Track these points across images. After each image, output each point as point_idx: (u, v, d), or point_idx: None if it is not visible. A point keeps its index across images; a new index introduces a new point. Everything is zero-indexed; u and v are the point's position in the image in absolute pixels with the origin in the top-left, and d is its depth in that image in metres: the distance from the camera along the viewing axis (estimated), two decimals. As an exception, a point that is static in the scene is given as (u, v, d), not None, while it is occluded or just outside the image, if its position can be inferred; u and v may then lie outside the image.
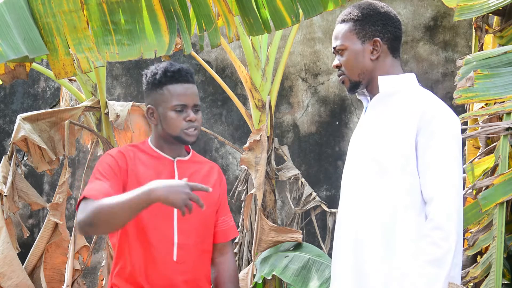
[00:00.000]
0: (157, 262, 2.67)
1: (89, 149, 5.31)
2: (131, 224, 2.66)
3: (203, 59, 5.81)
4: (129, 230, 2.68)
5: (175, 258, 2.68)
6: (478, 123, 3.34)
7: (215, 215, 2.84)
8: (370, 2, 2.56)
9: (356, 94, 2.60)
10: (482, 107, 3.38)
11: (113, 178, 2.65)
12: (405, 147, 2.39)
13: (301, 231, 4.55)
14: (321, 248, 5.05)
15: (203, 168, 2.84)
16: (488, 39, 3.70)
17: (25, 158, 6.49)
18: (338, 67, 2.54)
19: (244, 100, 6.03)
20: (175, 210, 2.69)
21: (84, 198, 2.55)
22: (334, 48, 2.55)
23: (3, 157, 4.98)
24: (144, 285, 2.67)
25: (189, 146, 2.85)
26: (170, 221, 2.69)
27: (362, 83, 2.52)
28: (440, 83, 5.88)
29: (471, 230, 3.22)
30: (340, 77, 2.55)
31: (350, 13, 2.53)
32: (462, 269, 3.10)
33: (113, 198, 2.47)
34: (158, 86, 2.73)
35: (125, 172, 2.68)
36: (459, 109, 3.82)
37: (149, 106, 2.76)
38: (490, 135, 3.25)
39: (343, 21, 2.54)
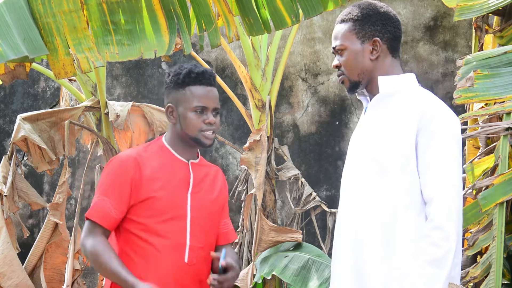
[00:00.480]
0: (169, 264, 2.69)
1: (89, 149, 5.31)
2: (143, 229, 2.69)
3: (203, 59, 5.81)
4: (141, 234, 2.70)
5: (186, 260, 2.70)
6: (478, 123, 3.34)
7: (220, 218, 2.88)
8: (370, 2, 2.55)
9: (356, 94, 2.60)
10: (482, 107, 3.38)
11: (118, 194, 2.69)
12: (405, 147, 2.39)
13: (301, 231, 4.55)
14: (321, 248, 5.05)
15: (210, 172, 2.87)
16: (488, 39, 3.70)
17: (25, 158, 6.49)
18: (337, 67, 2.54)
19: (244, 100, 6.03)
20: (188, 213, 2.72)
21: (89, 220, 2.70)
22: (333, 48, 2.55)
23: (3, 157, 4.98)
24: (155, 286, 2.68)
25: (198, 150, 2.87)
26: (183, 224, 2.71)
27: (362, 83, 2.52)
28: (440, 83, 5.88)
29: (471, 230, 3.22)
30: (340, 77, 2.55)
31: (350, 13, 2.53)
32: (462, 269, 3.10)
33: (108, 259, 2.64)
34: (180, 86, 2.75)
35: (137, 180, 2.69)
36: (459, 109, 3.82)
37: (169, 104, 2.78)
38: (490, 135, 3.25)
39: (342, 21, 2.54)
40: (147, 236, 2.70)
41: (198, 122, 2.73)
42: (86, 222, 2.70)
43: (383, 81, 2.49)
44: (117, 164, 2.73)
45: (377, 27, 2.50)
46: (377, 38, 2.49)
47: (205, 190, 2.80)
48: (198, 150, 2.86)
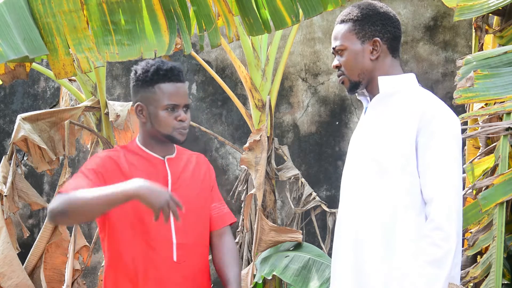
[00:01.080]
0: (157, 263, 2.66)
1: (89, 149, 5.31)
2: (129, 227, 2.66)
3: (203, 59, 5.81)
4: (126, 232, 2.67)
5: (175, 259, 2.68)
6: (478, 123, 3.34)
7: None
8: (370, 2, 2.55)
9: (356, 94, 2.60)
10: (482, 107, 3.38)
11: (95, 179, 2.62)
12: (405, 147, 2.39)
13: (301, 231, 4.54)
14: (321, 248, 5.05)
15: (190, 161, 2.83)
16: (488, 39, 3.70)
17: (25, 158, 6.49)
18: (337, 67, 2.54)
19: (244, 100, 6.03)
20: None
21: (59, 193, 2.55)
22: (333, 48, 2.55)
23: (3, 157, 4.98)
24: (144, 287, 2.66)
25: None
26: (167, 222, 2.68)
27: (362, 83, 2.52)
28: (440, 83, 5.88)
29: (471, 230, 3.22)
30: (340, 77, 2.55)
31: (350, 13, 2.52)
32: (462, 269, 3.10)
33: (90, 190, 2.47)
34: (149, 83, 2.71)
35: (114, 175, 2.65)
36: (459, 109, 3.81)
37: (138, 103, 2.74)
38: (490, 135, 3.25)
39: (342, 21, 2.53)
40: (133, 239, 2.66)
41: (170, 120, 2.69)
42: (57, 195, 2.55)
43: (383, 81, 2.49)
44: (96, 158, 2.69)
45: (377, 27, 2.50)
46: (377, 38, 2.49)
47: (187, 183, 2.76)
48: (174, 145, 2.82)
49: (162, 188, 2.44)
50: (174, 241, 2.68)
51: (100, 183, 2.61)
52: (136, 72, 2.76)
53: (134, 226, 2.66)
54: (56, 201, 2.49)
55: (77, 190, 2.49)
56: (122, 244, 2.68)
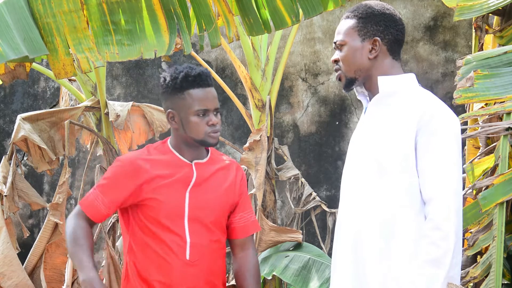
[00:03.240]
0: (171, 261, 2.72)
1: (89, 149, 5.31)
2: (145, 228, 2.75)
3: (203, 59, 5.81)
4: (143, 233, 2.76)
5: (188, 257, 2.72)
6: (478, 123, 3.34)
7: (233, 212, 2.87)
8: (378, 2, 2.57)
9: (356, 94, 2.61)
10: (482, 107, 3.38)
11: (111, 193, 2.74)
12: (404, 147, 2.39)
13: (301, 231, 4.54)
14: (321, 248, 5.05)
15: (221, 168, 2.86)
16: (488, 39, 3.70)
17: (25, 158, 6.49)
18: (336, 61, 2.56)
19: (244, 100, 6.03)
20: (186, 211, 2.74)
21: (80, 207, 2.78)
22: (335, 42, 2.57)
23: (3, 157, 4.98)
24: (157, 284, 2.72)
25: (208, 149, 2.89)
26: (181, 220, 2.74)
27: (358, 80, 2.53)
28: (440, 83, 5.88)
29: (471, 230, 3.22)
30: (337, 72, 2.56)
31: (356, 10, 2.54)
32: (462, 269, 3.10)
33: (81, 246, 2.70)
34: (179, 90, 2.75)
35: (137, 184, 2.73)
36: (459, 109, 3.82)
37: (169, 110, 2.78)
38: (490, 135, 3.25)
39: (347, 17, 2.55)
40: (148, 235, 2.74)
41: (202, 125, 2.74)
42: (77, 207, 2.78)
43: (383, 81, 2.50)
44: (121, 165, 2.77)
45: (380, 27, 2.51)
46: (378, 38, 2.50)
47: (210, 188, 2.80)
48: (209, 148, 2.87)
49: None
50: (188, 240, 2.72)
51: (117, 198, 2.75)
52: (165, 79, 2.80)
53: (153, 224, 2.74)
54: (68, 220, 2.77)
55: (78, 236, 2.72)
56: (144, 238, 2.75)
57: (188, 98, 2.73)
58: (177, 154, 2.80)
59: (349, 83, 2.54)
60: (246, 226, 2.89)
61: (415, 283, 2.31)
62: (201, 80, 2.75)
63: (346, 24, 2.54)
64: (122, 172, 2.75)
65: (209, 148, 2.87)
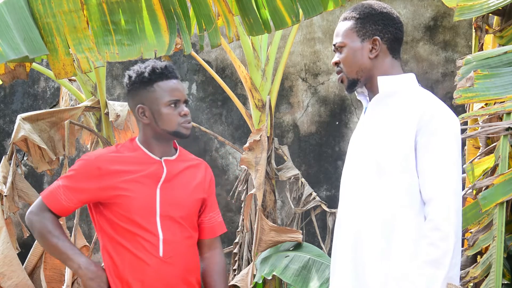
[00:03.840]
0: (144, 259, 2.70)
1: (89, 149, 5.31)
2: (115, 226, 2.72)
3: (203, 59, 5.81)
4: (114, 230, 2.73)
5: (161, 254, 2.71)
6: (478, 123, 3.34)
7: (203, 212, 2.87)
8: (374, 2, 2.57)
9: (356, 94, 2.61)
10: (482, 107, 3.38)
11: (74, 188, 2.72)
12: (404, 147, 2.39)
13: (301, 231, 4.54)
14: (321, 248, 5.05)
15: (189, 166, 2.86)
16: (488, 39, 3.69)
17: (25, 158, 6.49)
18: (337, 64, 2.56)
19: (244, 100, 6.03)
20: (158, 207, 2.73)
21: (41, 199, 2.75)
22: (334, 45, 2.56)
23: (3, 157, 4.98)
24: (133, 282, 2.70)
25: (177, 144, 2.87)
26: (153, 217, 2.72)
27: (360, 81, 2.53)
28: (440, 83, 5.88)
29: (471, 230, 3.22)
30: (339, 74, 2.56)
31: (353, 11, 2.54)
32: (462, 269, 3.10)
33: (57, 237, 2.70)
34: (148, 84, 2.74)
35: (102, 181, 2.70)
36: (459, 109, 3.82)
37: (139, 105, 2.76)
38: (490, 135, 3.25)
39: (345, 18, 2.55)
40: (120, 233, 2.72)
41: (175, 116, 2.73)
42: (38, 199, 2.76)
43: (383, 81, 2.50)
44: (87, 161, 2.74)
45: (378, 27, 2.51)
46: (377, 37, 2.50)
47: (179, 184, 2.79)
48: (178, 147, 2.86)
49: (101, 276, 2.67)
50: (161, 236, 2.71)
51: (81, 197, 2.73)
52: (130, 76, 2.79)
53: (124, 221, 2.71)
54: (32, 215, 2.73)
55: (51, 223, 2.70)
56: (114, 235, 2.73)
57: (159, 90, 2.73)
58: (146, 151, 2.78)
59: (352, 85, 2.54)
60: (214, 226, 2.91)
61: (415, 284, 2.31)
62: (168, 72, 2.76)
63: (344, 25, 2.54)
64: (87, 168, 2.72)
65: (177, 146, 2.86)
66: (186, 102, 2.78)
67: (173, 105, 2.73)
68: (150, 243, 2.70)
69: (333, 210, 4.93)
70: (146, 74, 2.74)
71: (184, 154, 2.88)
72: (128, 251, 2.71)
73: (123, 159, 2.75)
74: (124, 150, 2.78)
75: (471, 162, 3.28)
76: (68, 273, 4.84)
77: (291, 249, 4.51)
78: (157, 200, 2.73)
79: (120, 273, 2.71)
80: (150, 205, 2.72)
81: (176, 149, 2.86)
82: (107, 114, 4.99)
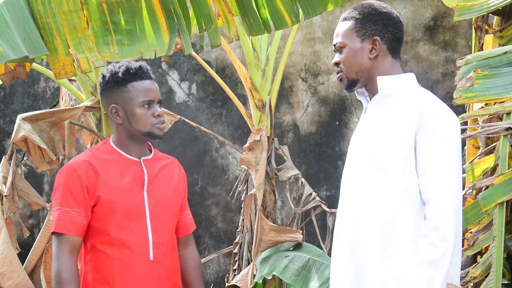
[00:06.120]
0: (134, 264, 2.67)
1: (89, 149, 5.30)
2: (103, 233, 2.68)
3: (203, 59, 5.81)
4: (102, 238, 2.69)
5: (151, 258, 2.70)
6: (478, 123, 3.34)
7: (180, 210, 2.88)
8: (374, 2, 2.57)
9: (356, 94, 2.61)
10: (482, 107, 3.38)
11: (77, 200, 2.65)
12: (404, 147, 2.39)
13: (301, 231, 4.54)
14: (321, 248, 5.05)
15: (166, 164, 2.86)
16: (488, 39, 3.70)
17: (25, 158, 6.49)
18: (337, 64, 2.56)
19: (244, 100, 6.03)
20: (147, 210, 2.71)
21: (56, 233, 2.64)
22: (334, 45, 2.57)
23: (3, 157, 4.98)
24: (121, 287, 2.67)
25: (150, 144, 2.86)
26: (143, 221, 2.70)
27: (360, 81, 2.53)
28: (440, 83, 5.88)
29: (471, 230, 3.22)
30: (338, 74, 2.56)
31: (353, 11, 2.55)
32: (462, 269, 3.11)
33: None
34: (122, 84, 2.73)
35: (91, 184, 2.67)
36: (459, 109, 3.82)
37: (113, 105, 2.74)
38: (490, 135, 3.25)
39: (345, 19, 2.56)
40: (109, 239, 2.67)
41: (148, 116, 2.71)
42: (53, 238, 2.66)
43: (382, 81, 2.50)
44: (69, 172, 2.68)
45: (378, 27, 2.51)
46: (377, 37, 2.50)
47: (161, 185, 2.78)
48: (152, 146, 2.85)
49: None
50: (151, 240, 2.70)
51: (87, 204, 2.66)
52: (104, 76, 2.77)
53: (111, 227, 2.68)
54: (53, 266, 2.63)
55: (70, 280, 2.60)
56: (99, 244, 2.69)
57: (132, 90, 2.71)
58: (122, 152, 2.76)
59: (351, 84, 2.54)
60: (188, 224, 2.93)
61: (414, 283, 2.31)
62: (142, 72, 2.74)
63: (344, 26, 2.54)
64: (73, 175, 2.67)
65: (151, 147, 2.85)
66: (159, 102, 2.76)
67: (146, 106, 2.71)
68: (140, 248, 2.68)
69: (333, 210, 4.93)
70: (120, 74, 2.72)
71: (157, 153, 2.88)
72: (113, 258, 2.66)
73: (101, 164, 2.71)
74: (101, 154, 2.75)
75: (471, 162, 3.28)
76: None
77: (291, 249, 4.51)
78: (146, 204, 2.71)
79: (107, 280, 2.67)
80: (139, 210, 2.70)
81: (150, 150, 2.85)
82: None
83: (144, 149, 2.80)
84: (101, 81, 2.77)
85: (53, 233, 2.65)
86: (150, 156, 2.81)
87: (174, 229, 2.83)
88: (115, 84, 2.73)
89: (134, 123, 2.72)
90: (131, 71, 2.72)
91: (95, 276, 2.69)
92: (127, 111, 2.72)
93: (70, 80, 5.35)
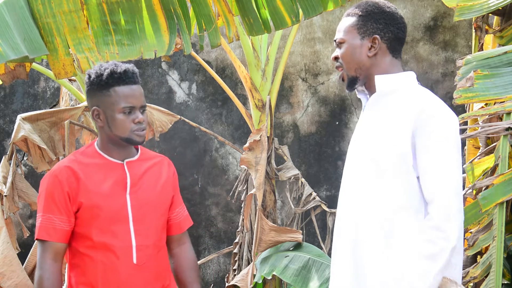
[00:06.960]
0: (117, 267, 2.66)
1: (89, 149, 5.30)
2: (86, 237, 2.67)
3: (203, 59, 5.81)
4: (85, 243, 2.68)
5: (135, 261, 2.68)
6: (478, 123, 3.34)
7: (170, 209, 2.85)
8: (379, 0, 2.57)
9: (356, 92, 2.61)
10: (482, 107, 3.38)
11: (59, 207, 2.65)
12: (402, 146, 2.39)
13: (301, 231, 4.54)
14: (321, 248, 5.05)
15: (154, 164, 2.83)
16: (488, 39, 3.70)
17: (25, 158, 6.49)
18: (336, 58, 2.57)
19: (244, 100, 6.03)
20: (130, 213, 2.70)
21: (40, 240, 2.65)
22: (335, 40, 2.57)
23: (3, 157, 4.98)
24: None
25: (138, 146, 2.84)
26: (126, 224, 2.69)
27: (360, 79, 2.53)
28: (440, 83, 5.88)
29: (471, 230, 3.22)
30: (338, 69, 2.56)
31: (357, 8, 2.56)
32: (462, 269, 3.10)
33: None
34: (104, 87, 2.70)
35: (73, 189, 2.66)
36: (459, 109, 3.82)
37: (94, 107, 2.73)
38: (490, 135, 3.25)
39: (348, 15, 2.56)
40: (92, 244, 2.67)
41: (128, 123, 2.68)
42: (38, 244, 2.66)
43: (380, 80, 2.50)
44: (51, 178, 2.68)
45: (379, 25, 2.51)
46: (377, 36, 2.50)
47: (146, 186, 2.76)
48: (139, 146, 2.82)
49: None
50: (134, 243, 2.68)
51: (69, 209, 2.65)
52: (90, 76, 2.75)
53: (94, 232, 2.67)
54: (36, 274, 2.62)
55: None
56: (82, 248, 2.69)
57: (114, 95, 2.68)
58: (105, 156, 2.74)
59: (351, 82, 2.54)
60: (181, 222, 2.89)
61: (410, 278, 2.31)
62: (127, 77, 2.70)
63: (346, 22, 2.55)
64: (55, 181, 2.66)
65: (139, 146, 2.83)
66: (143, 108, 2.72)
67: (127, 112, 2.68)
68: (123, 251, 2.67)
69: (333, 210, 4.93)
70: (103, 77, 2.70)
71: (145, 152, 2.85)
72: (98, 262, 2.66)
73: (83, 169, 2.69)
74: (84, 158, 2.73)
75: (471, 162, 3.28)
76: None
77: (291, 249, 4.51)
78: (128, 207, 2.70)
79: (92, 283, 2.67)
80: (122, 213, 2.68)
81: (137, 149, 2.83)
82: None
83: (128, 151, 2.77)
84: (87, 80, 2.76)
85: (36, 239, 2.66)
86: (136, 157, 2.78)
87: (162, 229, 2.80)
88: (98, 86, 2.71)
89: (113, 128, 2.69)
90: (115, 75, 2.69)
91: (79, 279, 2.69)
92: (107, 115, 2.70)
93: (70, 80, 5.35)
